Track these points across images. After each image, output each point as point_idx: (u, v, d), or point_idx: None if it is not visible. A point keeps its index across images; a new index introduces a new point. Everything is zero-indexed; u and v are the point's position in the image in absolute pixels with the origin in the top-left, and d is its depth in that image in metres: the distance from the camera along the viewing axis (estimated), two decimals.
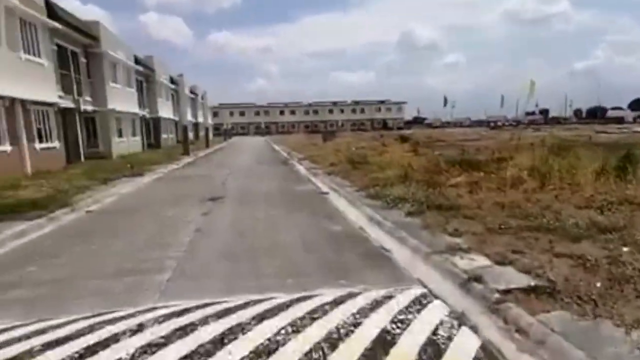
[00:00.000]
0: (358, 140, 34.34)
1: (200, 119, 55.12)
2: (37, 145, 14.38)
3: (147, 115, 30.45)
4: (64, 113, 17.59)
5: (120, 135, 22.91)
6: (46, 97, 15.08)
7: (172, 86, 37.26)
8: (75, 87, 18.90)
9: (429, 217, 6.26)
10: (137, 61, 27.48)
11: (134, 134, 25.67)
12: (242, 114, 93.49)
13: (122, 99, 23.09)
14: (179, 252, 5.24)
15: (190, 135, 45.70)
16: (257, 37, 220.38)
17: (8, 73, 12.80)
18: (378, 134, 43.29)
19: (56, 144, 15.95)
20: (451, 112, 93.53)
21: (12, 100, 12.95)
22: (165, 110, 34.23)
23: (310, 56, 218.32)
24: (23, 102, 13.60)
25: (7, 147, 12.73)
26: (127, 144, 23.62)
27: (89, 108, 20.17)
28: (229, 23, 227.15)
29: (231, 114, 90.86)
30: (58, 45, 17.54)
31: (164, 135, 33.48)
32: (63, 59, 18.10)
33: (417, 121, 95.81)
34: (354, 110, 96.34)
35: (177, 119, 41.14)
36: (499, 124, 75.52)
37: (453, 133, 43.36)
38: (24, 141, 13.51)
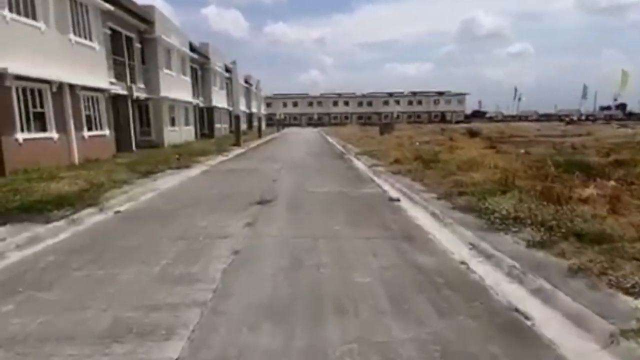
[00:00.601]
0: (419, 133, 31.82)
1: (254, 109, 54.88)
2: (86, 133, 13.74)
3: (201, 104, 30.01)
4: (115, 100, 17.07)
5: (172, 124, 22.38)
6: (97, 83, 14.39)
7: (227, 75, 36.74)
8: (128, 73, 18.32)
9: (573, 253, 4.15)
10: (192, 49, 26.91)
11: (187, 123, 25.15)
12: (295, 104, 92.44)
13: (175, 87, 22.51)
14: (204, 297, 3.57)
15: (243, 125, 45.52)
16: (311, 27, 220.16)
17: (56, 56, 12.09)
18: (438, 128, 40.58)
19: (106, 131, 15.33)
20: (517, 105, 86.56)
21: (60, 85, 12.27)
22: (219, 100, 33.75)
23: (365, 47, 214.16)
24: (72, 87, 12.92)
25: (54, 134, 12.09)
26: (179, 133, 23.08)
27: (142, 95, 19.61)
28: (284, 14, 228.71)
29: (284, 104, 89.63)
30: (112, 30, 16.95)
31: (217, 125, 33.03)
32: (117, 44, 17.51)
33: (477, 115, 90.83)
34: (410, 102, 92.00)
35: (231, 108, 40.76)
36: (574, 118, 68.60)
37: (524, 127, 39.06)
38: (72, 128, 12.84)
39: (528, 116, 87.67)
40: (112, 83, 16.34)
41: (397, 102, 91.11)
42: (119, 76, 17.56)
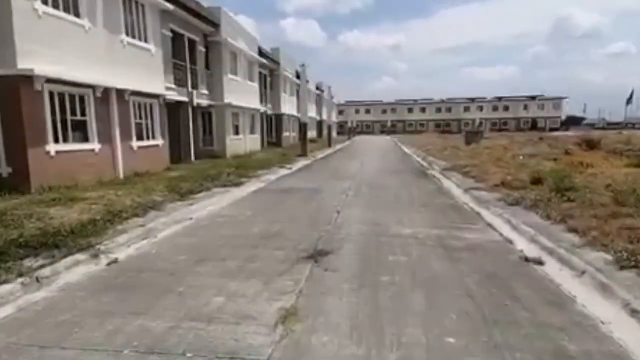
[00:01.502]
0: (514, 143, 27.11)
1: (325, 117, 53.12)
2: (135, 144, 12.38)
3: (269, 112, 28.63)
4: (174, 107, 15.82)
5: (236, 132, 20.93)
6: (150, 88, 13.07)
7: (298, 81, 35.22)
8: (189, 78, 17.09)
9: None
10: (261, 53, 25.58)
11: (252, 131, 23.69)
12: (367, 111, 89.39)
13: (241, 93, 21.08)
14: None
15: (313, 133, 43.81)
16: (386, 34, 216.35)
17: (103, 57, 10.81)
18: (533, 136, 34.45)
19: (159, 141, 13.93)
20: (625, 110, 74.13)
21: (105, 89, 10.95)
22: (288, 107, 32.26)
23: (440, 52, 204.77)
24: (120, 92, 11.60)
25: (95, 145, 10.73)
26: (243, 142, 21.56)
27: (204, 102, 18.35)
28: (359, 22, 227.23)
29: (356, 111, 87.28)
30: (173, 32, 15.78)
31: (285, 133, 31.52)
32: (178, 46, 16.37)
33: (573, 121, 79.06)
34: (495, 108, 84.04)
35: (318, 117, 39.97)
36: None
37: None
38: (117, 138, 11.49)
39: (635, 123, 73.86)
40: (170, 88, 15.08)
41: (480, 108, 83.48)
42: (180, 81, 16.34)
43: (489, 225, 6.66)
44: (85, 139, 10.46)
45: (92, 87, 10.48)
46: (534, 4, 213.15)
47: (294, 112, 34.17)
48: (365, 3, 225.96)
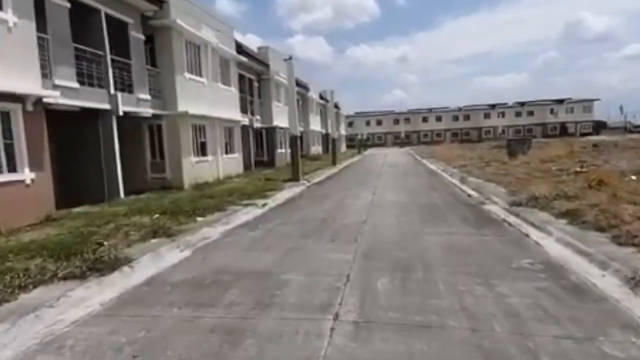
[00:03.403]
0: (574, 153, 21.21)
1: (329, 129, 47.29)
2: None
3: (258, 125, 23.29)
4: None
5: (202, 152, 16.06)
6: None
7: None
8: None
9: None
10: (242, 51, 20.30)
11: (229, 150, 19.19)
12: (379, 122, 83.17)
13: (208, 99, 15.86)
14: None
15: (319, 149, 38.17)
16: (395, 47, 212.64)
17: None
18: (580, 143, 30.57)
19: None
20: None
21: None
22: (281, 118, 26.24)
23: (450, 63, 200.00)
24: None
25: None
26: (213, 165, 16.40)
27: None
28: (366, 36, 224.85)
29: (367, 123, 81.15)
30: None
31: (280, 150, 25.87)
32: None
33: (600, 126, 72.69)
34: (518, 114, 77.75)
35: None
36: None
37: None
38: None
39: None
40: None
41: (502, 115, 77.89)
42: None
43: None
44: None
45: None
46: (543, 9, 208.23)
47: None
48: (372, 17, 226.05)
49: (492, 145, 38.20)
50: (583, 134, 64.37)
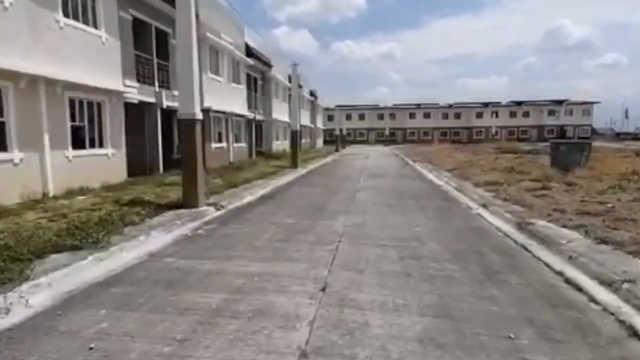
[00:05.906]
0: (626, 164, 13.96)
1: (305, 121, 39.79)
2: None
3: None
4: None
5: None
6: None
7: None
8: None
9: None
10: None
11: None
12: (361, 117, 76.24)
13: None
14: None
15: (286, 143, 36.82)
16: (380, 44, 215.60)
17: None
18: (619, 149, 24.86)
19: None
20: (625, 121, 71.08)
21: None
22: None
23: (434, 63, 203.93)
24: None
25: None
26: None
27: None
28: (352, 32, 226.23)
29: (348, 117, 71.93)
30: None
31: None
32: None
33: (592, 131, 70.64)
34: (512, 114, 72.25)
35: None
36: None
37: None
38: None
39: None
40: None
41: (495, 115, 72.49)
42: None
43: None
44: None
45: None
46: (525, 15, 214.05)
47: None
48: (358, 13, 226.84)
49: (494, 148, 31.91)
50: (582, 138, 58.34)
